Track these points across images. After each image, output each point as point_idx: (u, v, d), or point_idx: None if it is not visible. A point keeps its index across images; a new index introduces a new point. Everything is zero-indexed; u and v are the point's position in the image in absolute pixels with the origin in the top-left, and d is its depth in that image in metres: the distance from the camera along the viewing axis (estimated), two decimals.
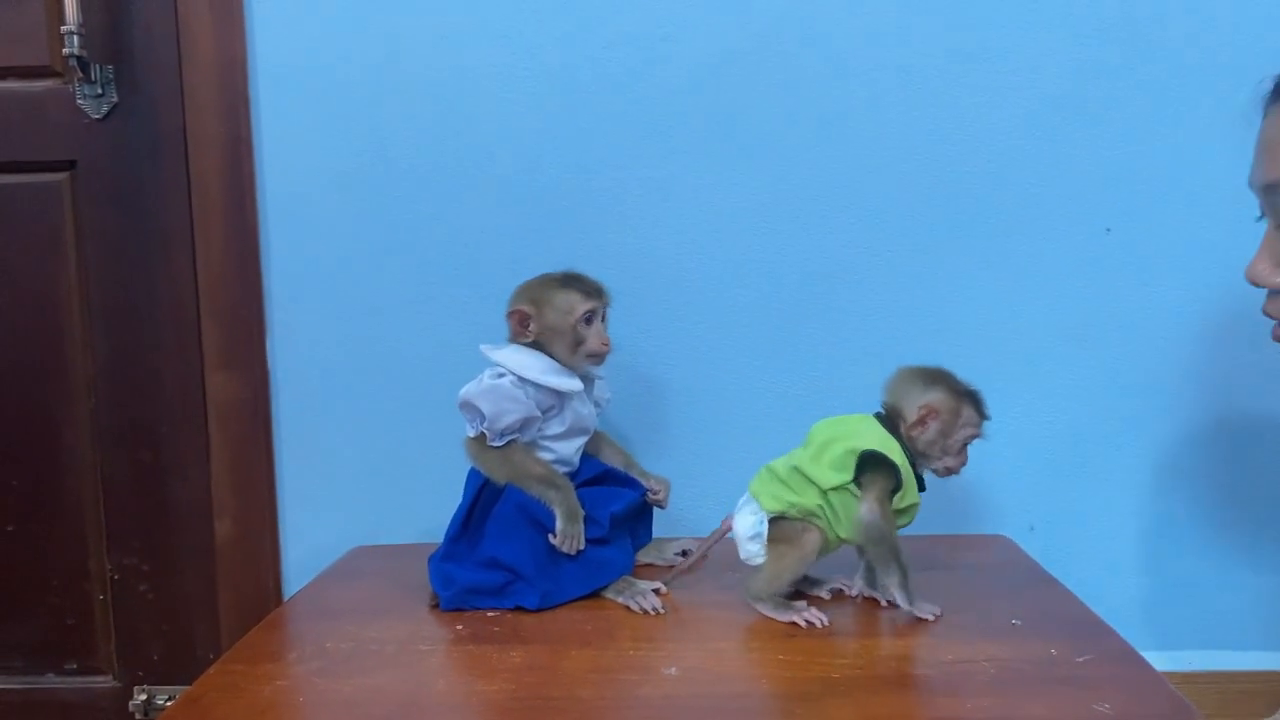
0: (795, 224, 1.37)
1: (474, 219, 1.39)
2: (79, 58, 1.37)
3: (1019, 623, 0.98)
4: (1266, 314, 0.83)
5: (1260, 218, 0.85)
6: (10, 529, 1.51)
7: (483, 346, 1.11)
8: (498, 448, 1.08)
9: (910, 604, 1.00)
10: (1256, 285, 0.83)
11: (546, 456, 1.10)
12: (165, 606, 1.52)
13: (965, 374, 1.35)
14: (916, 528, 1.21)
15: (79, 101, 1.43)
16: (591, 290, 1.11)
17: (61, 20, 1.35)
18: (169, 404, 1.48)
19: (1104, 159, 1.33)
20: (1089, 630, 0.98)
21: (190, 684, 0.92)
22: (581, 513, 1.07)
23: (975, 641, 0.95)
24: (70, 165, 1.46)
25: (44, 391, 1.49)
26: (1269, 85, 0.83)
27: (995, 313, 1.37)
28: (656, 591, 1.07)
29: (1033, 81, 1.33)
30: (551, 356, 1.10)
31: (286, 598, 1.43)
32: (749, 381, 1.39)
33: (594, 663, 0.92)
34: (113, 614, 1.53)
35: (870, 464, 0.99)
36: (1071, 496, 1.37)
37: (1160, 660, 0.93)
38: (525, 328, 1.10)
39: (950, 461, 1.02)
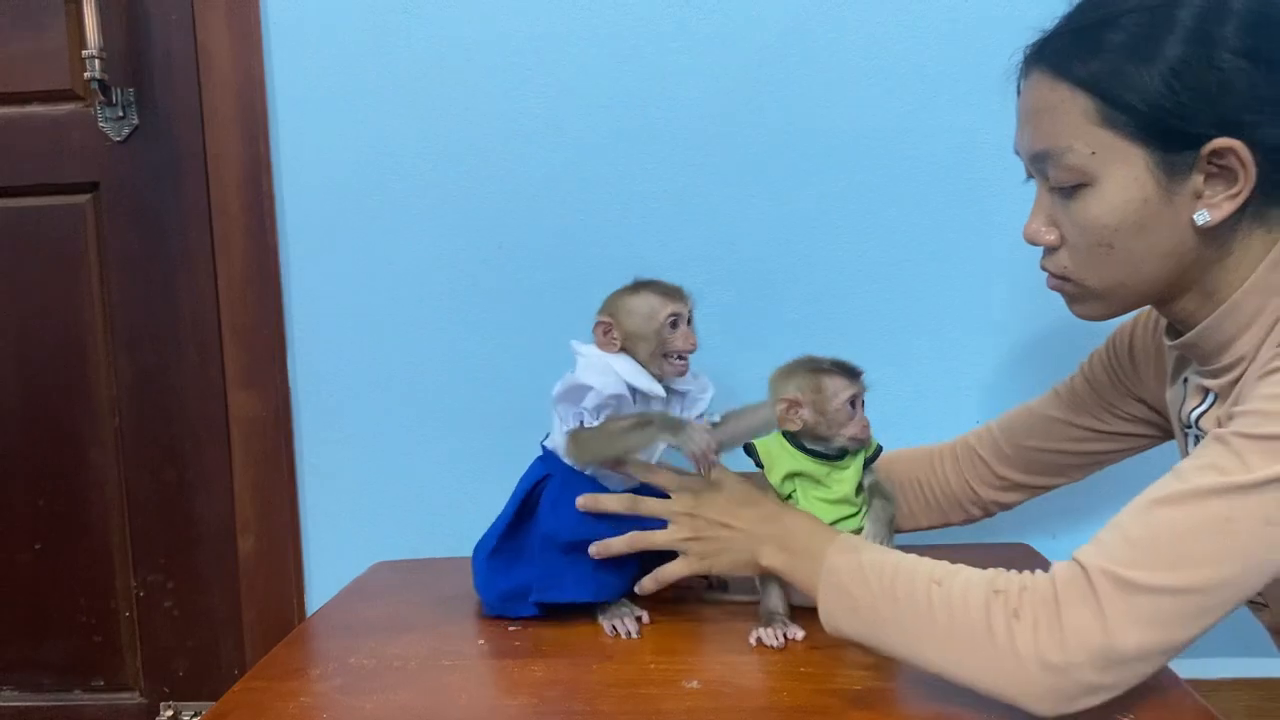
0: (812, 233, 1.37)
1: (493, 235, 1.40)
2: (100, 81, 1.39)
3: None
4: (1044, 268, 0.90)
5: (1028, 179, 0.90)
6: (37, 548, 1.53)
7: (573, 342, 1.10)
8: (595, 427, 1.05)
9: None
10: (1032, 244, 0.89)
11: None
12: (190, 623, 1.53)
13: (990, 380, 1.36)
14: (939, 536, 1.21)
15: (101, 124, 1.45)
16: (671, 291, 1.08)
17: (83, 44, 1.38)
18: (192, 422, 1.49)
19: None
20: None
21: (216, 700, 0.92)
22: (685, 422, 1.04)
23: None
24: (93, 187, 1.48)
25: (69, 411, 1.51)
26: (1024, 54, 0.87)
27: (1018, 319, 1.36)
28: (639, 620, 1.05)
29: None
30: (641, 362, 1.08)
31: (310, 613, 1.44)
32: (761, 388, 1.38)
33: (615, 676, 0.92)
34: (138, 631, 1.55)
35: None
36: (1094, 502, 1.35)
37: (1186, 667, 0.92)
38: (609, 337, 1.08)
39: (849, 430, 1.04)
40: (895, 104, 1.34)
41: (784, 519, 0.97)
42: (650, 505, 1.03)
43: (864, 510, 1.05)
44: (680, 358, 1.07)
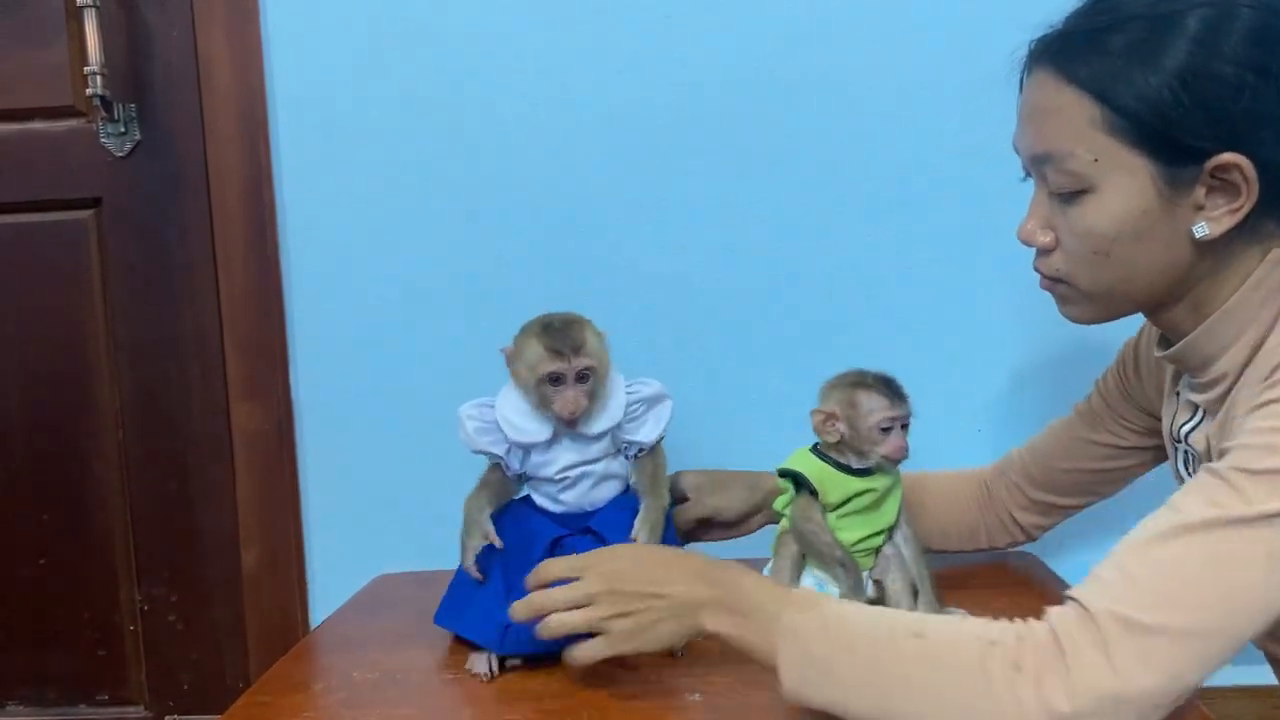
0: (810, 244, 1.37)
1: (493, 246, 1.40)
2: (102, 97, 1.39)
3: None
4: (1036, 269, 0.89)
5: (1025, 178, 0.89)
6: (41, 562, 1.53)
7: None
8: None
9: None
10: (1026, 245, 0.88)
11: (545, 490, 1.05)
12: (194, 636, 1.54)
13: (990, 386, 1.36)
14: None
15: (102, 140, 1.46)
16: (559, 349, 0.98)
17: (85, 61, 1.38)
18: (195, 435, 1.50)
19: None
20: None
21: (220, 713, 0.92)
22: (478, 531, 1.01)
23: None
24: (95, 203, 1.48)
25: (72, 425, 1.51)
26: (1029, 49, 0.86)
27: (1015, 326, 1.36)
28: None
29: None
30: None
31: (313, 626, 1.44)
32: (766, 398, 1.39)
33: (617, 689, 0.92)
34: (143, 644, 1.55)
35: (796, 483, 1.04)
36: (1099, 511, 1.35)
37: None
38: (512, 369, 1.02)
39: (883, 449, 1.01)
40: (904, 115, 1.34)
41: (721, 576, 0.85)
42: (558, 596, 0.88)
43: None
44: (558, 418, 0.99)
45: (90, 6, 1.36)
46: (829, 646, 0.76)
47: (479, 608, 1.00)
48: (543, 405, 1.00)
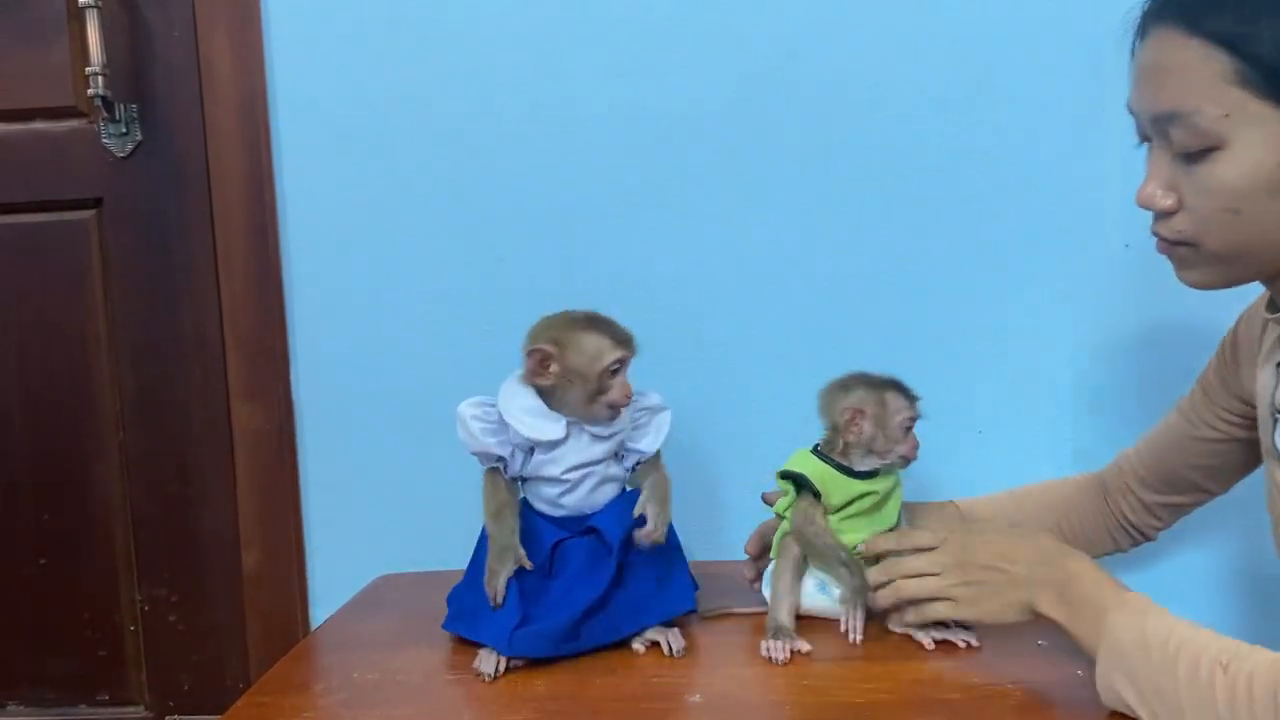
0: (813, 245, 1.37)
1: (494, 250, 1.40)
2: (104, 98, 1.39)
3: (1045, 644, 0.97)
4: (1156, 233, 0.87)
5: (1141, 143, 0.87)
6: (42, 563, 1.53)
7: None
8: (486, 471, 1.05)
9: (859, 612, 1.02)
10: (1146, 208, 0.86)
11: (545, 494, 1.06)
12: (195, 637, 1.54)
13: (990, 390, 1.36)
14: None
15: (104, 140, 1.46)
16: (622, 338, 1.03)
17: (86, 62, 1.38)
18: (196, 436, 1.50)
19: (1123, 174, 1.33)
20: None
21: (220, 714, 0.92)
22: (511, 557, 1.00)
23: (1001, 665, 0.94)
24: (96, 203, 1.48)
25: (73, 426, 1.51)
26: (1143, 9, 0.84)
27: (1018, 331, 1.36)
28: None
29: (1052, 100, 1.33)
30: (561, 399, 1.03)
31: (314, 626, 1.44)
32: (766, 398, 1.39)
33: (617, 690, 0.93)
34: (143, 645, 1.55)
35: (797, 485, 1.06)
36: None
37: None
38: (545, 368, 1.01)
39: (900, 449, 1.05)
40: (907, 114, 1.34)
41: (1064, 563, 0.90)
42: (914, 564, 0.99)
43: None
44: (612, 407, 1.02)
45: (92, 7, 1.36)
46: (1142, 660, 0.78)
47: (486, 610, 1.01)
48: (594, 396, 1.01)
